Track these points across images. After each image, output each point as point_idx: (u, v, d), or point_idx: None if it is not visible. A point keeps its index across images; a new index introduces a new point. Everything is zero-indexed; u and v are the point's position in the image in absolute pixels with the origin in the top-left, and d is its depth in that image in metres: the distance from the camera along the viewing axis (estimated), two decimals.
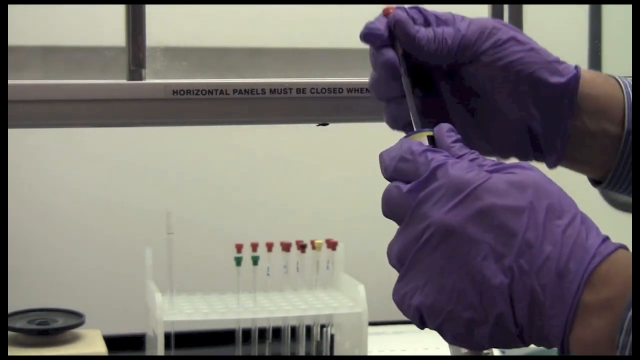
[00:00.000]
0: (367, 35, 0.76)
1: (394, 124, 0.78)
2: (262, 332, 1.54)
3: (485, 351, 0.65)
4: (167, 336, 1.48)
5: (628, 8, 0.86)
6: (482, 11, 0.91)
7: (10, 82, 0.75)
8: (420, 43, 0.74)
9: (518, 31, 0.75)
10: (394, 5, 0.76)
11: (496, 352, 1.49)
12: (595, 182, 0.78)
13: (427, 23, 0.76)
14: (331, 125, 0.89)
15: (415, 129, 0.73)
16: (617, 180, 0.76)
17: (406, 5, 0.77)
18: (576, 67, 0.75)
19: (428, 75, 0.77)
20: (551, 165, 0.76)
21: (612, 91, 0.75)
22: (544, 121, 0.74)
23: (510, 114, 0.75)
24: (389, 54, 0.75)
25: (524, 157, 0.76)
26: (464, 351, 0.65)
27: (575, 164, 0.77)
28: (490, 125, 0.76)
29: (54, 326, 1.44)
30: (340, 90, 0.83)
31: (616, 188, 0.77)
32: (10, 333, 1.42)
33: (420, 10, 0.76)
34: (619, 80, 0.76)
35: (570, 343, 0.62)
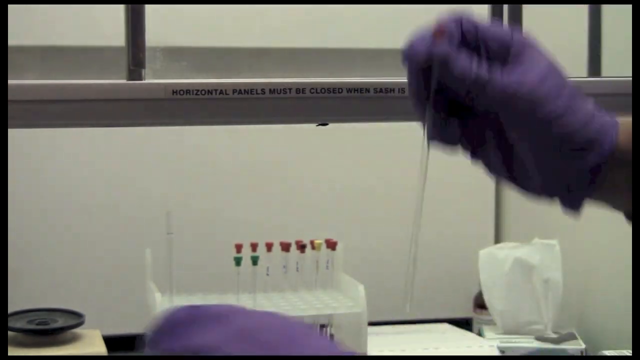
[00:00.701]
0: (406, 55, 0.74)
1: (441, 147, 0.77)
2: None
3: None
4: None
5: (628, 8, 0.86)
6: (481, 11, 0.91)
7: (10, 82, 0.75)
8: (458, 86, 0.72)
9: (566, 92, 0.72)
10: (447, 20, 0.73)
11: (496, 352, 1.49)
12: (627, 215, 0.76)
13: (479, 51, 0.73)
14: (331, 125, 0.89)
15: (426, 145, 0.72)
16: None
17: (457, 18, 0.74)
18: (614, 130, 0.72)
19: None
20: (576, 208, 0.74)
21: None
22: (576, 180, 0.72)
23: (544, 171, 0.73)
24: (419, 84, 0.73)
25: (551, 197, 0.75)
26: None
27: (599, 205, 0.76)
28: (522, 167, 0.75)
29: (54, 326, 1.44)
30: (340, 90, 0.83)
31: None
32: (10, 333, 1.42)
33: (476, 30, 0.74)
34: None
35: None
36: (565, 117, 0.70)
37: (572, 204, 0.74)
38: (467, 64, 0.71)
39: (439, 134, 0.75)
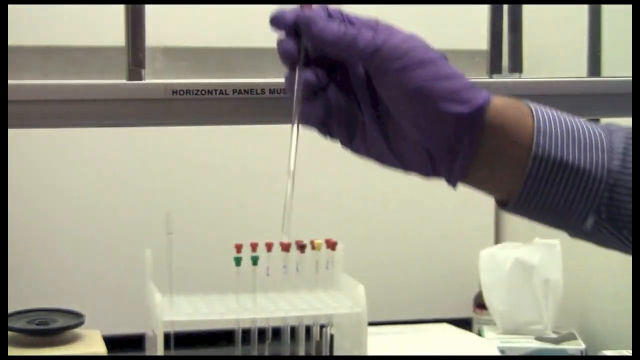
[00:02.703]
0: (273, 19, 0.76)
1: (307, 122, 0.81)
2: (262, 332, 1.54)
3: None
4: (167, 336, 1.48)
5: (628, 8, 0.86)
6: (482, 11, 0.91)
7: (10, 82, 0.75)
8: (325, 37, 0.74)
9: (432, 52, 0.74)
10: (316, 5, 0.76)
11: (496, 352, 1.49)
12: (500, 203, 0.77)
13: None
14: None
15: (292, 125, 0.77)
16: (522, 204, 0.75)
17: (330, 5, 0.77)
18: (486, 94, 0.74)
19: (346, 74, 0.78)
20: (451, 184, 0.76)
21: (523, 119, 0.74)
22: (443, 148, 0.74)
23: (410, 135, 0.75)
24: (289, 44, 0.76)
25: (425, 175, 0.77)
26: None
27: (478, 184, 0.77)
28: (394, 139, 0.77)
29: (54, 326, 1.44)
30: None
31: (521, 212, 0.76)
32: (10, 333, 1.42)
33: (341, 13, 0.77)
34: (531, 106, 0.75)
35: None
36: (435, 65, 0.73)
37: (454, 170, 0.75)
38: (334, 23, 0.75)
39: (310, 106, 0.79)
